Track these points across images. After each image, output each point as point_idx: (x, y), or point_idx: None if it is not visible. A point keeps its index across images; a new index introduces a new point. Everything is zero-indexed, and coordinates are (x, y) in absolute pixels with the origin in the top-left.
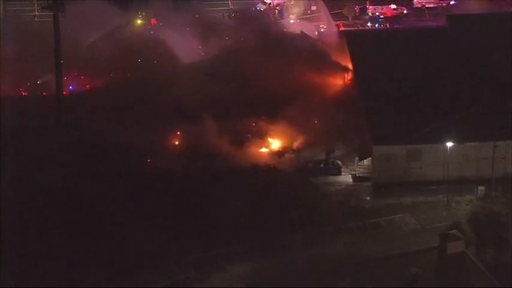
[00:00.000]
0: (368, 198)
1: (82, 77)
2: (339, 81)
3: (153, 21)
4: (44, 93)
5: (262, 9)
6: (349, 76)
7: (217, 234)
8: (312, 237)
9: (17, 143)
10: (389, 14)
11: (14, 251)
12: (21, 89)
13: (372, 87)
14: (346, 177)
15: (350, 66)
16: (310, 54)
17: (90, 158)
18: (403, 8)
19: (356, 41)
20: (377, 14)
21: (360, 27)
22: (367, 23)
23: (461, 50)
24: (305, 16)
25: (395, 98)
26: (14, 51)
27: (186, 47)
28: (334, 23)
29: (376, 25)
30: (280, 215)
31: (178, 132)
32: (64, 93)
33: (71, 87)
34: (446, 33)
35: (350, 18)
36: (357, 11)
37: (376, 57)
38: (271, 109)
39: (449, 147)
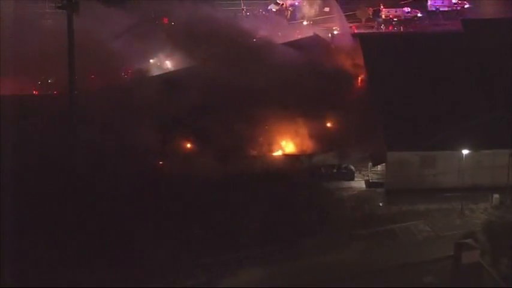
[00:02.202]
0: (381, 205)
1: (92, 76)
2: (352, 85)
3: (164, 20)
4: (55, 92)
5: (274, 10)
6: (362, 80)
7: (229, 239)
8: (325, 243)
9: (30, 143)
10: (402, 17)
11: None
12: (33, 88)
13: (386, 91)
14: (359, 183)
15: (364, 70)
16: (324, 57)
17: (100, 159)
18: (417, 11)
19: (370, 45)
20: (390, 16)
21: (374, 30)
22: (381, 25)
23: (477, 54)
24: (318, 17)
25: (409, 103)
26: (25, 49)
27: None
28: (348, 25)
29: (390, 28)
30: (293, 220)
31: (189, 134)
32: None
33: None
34: (462, 37)
35: (363, 21)
36: (370, 13)
37: (390, 61)
38: (283, 112)
39: (465, 154)
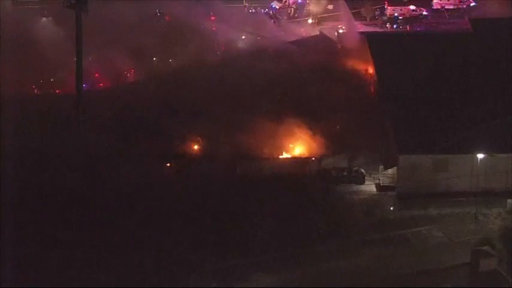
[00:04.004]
0: (393, 209)
1: (96, 74)
2: (361, 87)
3: (167, 18)
4: (57, 91)
5: (277, 8)
6: (371, 81)
7: (239, 243)
8: (337, 248)
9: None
10: (408, 15)
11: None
12: (33, 87)
13: (396, 93)
14: (369, 186)
15: (372, 70)
16: (330, 57)
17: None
18: (423, 9)
19: (379, 45)
20: (396, 15)
21: (380, 29)
22: (386, 24)
23: (488, 54)
24: (323, 15)
25: (420, 104)
26: (27, 49)
27: (200, 44)
28: (355, 24)
29: (395, 26)
30: (303, 225)
31: (196, 136)
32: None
33: (84, 85)
34: (472, 37)
35: (368, 19)
36: (376, 11)
37: (399, 61)
38: (291, 115)
39: (479, 158)
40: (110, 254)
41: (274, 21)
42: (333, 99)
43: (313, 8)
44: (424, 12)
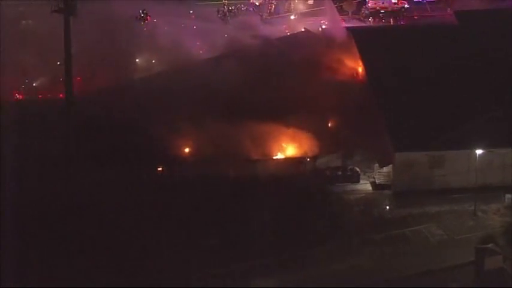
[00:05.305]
0: (390, 207)
1: (78, 78)
2: (352, 84)
3: (149, 18)
4: (39, 96)
5: (257, 4)
6: (362, 78)
7: (238, 247)
8: (337, 249)
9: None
10: (390, 9)
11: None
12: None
13: (387, 88)
14: (365, 185)
15: (361, 66)
16: (318, 53)
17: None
18: (404, 1)
19: (365, 39)
20: (377, 8)
21: (363, 23)
22: (369, 18)
23: (477, 47)
24: (305, 11)
25: (413, 100)
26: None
27: (182, 44)
28: (339, 19)
29: (377, 20)
30: (301, 226)
31: (186, 139)
32: (60, 96)
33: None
34: (458, 29)
35: (350, 13)
36: (356, 5)
37: (388, 56)
38: (283, 114)
39: (475, 153)
40: (106, 261)
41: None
42: (323, 97)
43: (293, 3)
44: (406, 5)
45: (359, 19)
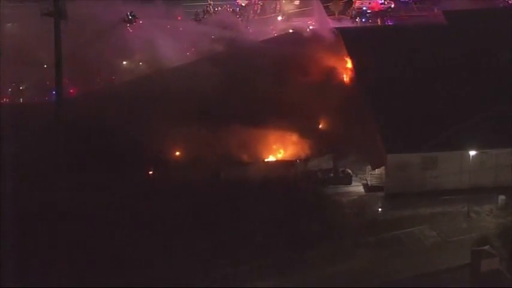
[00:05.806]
0: (383, 209)
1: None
2: (342, 85)
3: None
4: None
5: (243, 4)
6: (352, 79)
7: (231, 251)
8: (331, 252)
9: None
10: (376, 9)
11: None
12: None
13: (378, 90)
14: (357, 187)
15: (351, 67)
16: (307, 55)
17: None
18: (391, 1)
19: (354, 40)
20: (364, 8)
21: (350, 23)
22: (356, 18)
23: (466, 47)
24: (292, 11)
25: (404, 101)
26: None
27: (168, 46)
28: (327, 19)
29: (363, 20)
30: (294, 229)
31: (177, 141)
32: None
33: (54, 92)
34: (447, 29)
35: (336, 14)
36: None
37: (378, 57)
38: (273, 116)
39: (468, 154)
40: (101, 267)
41: (242, 19)
42: (313, 99)
43: (280, 4)
44: (392, 5)
45: (346, 19)
